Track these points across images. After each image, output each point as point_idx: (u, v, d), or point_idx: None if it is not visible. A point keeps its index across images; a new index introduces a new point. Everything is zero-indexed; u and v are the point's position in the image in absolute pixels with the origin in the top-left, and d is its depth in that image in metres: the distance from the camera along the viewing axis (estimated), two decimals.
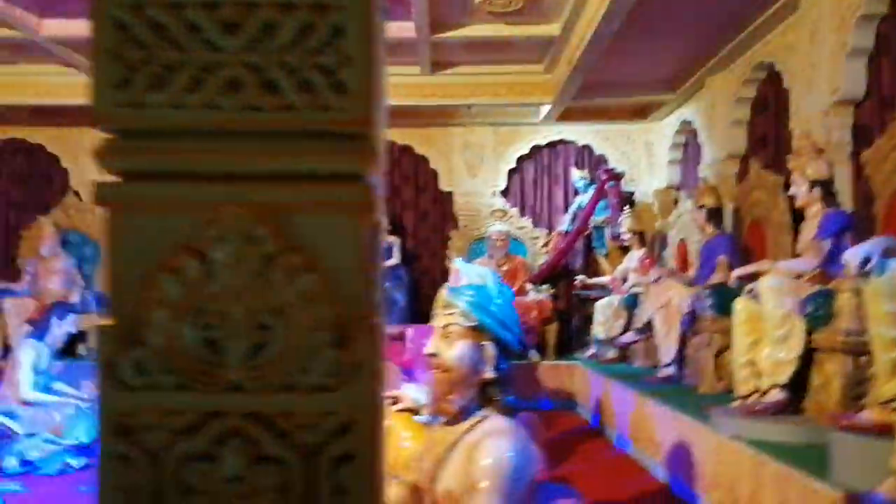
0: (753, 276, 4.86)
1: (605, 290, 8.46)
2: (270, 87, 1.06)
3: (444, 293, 2.61)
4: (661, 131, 9.20)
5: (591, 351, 8.19)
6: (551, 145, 9.61)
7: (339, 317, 1.05)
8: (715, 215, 6.46)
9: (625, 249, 8.73)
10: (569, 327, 8.97)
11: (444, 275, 9.46)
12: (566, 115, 9.02)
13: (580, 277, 8.72)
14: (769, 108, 6.71)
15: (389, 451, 3.99)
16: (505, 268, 8.68)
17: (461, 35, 7.25)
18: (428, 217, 9.67)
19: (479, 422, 2.45)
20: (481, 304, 2.48)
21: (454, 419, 2.52)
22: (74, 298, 8.51)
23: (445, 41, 7.40)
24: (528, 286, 8.64)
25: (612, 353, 7.87)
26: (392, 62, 8.07)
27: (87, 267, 9.21)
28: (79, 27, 7.03)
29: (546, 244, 9.41)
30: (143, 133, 1.05)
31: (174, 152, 1.06)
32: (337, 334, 1.05)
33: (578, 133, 9.51)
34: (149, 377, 1.03)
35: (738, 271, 5.39)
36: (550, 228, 9.52)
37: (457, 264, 3.48)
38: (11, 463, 5.57)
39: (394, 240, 9.08)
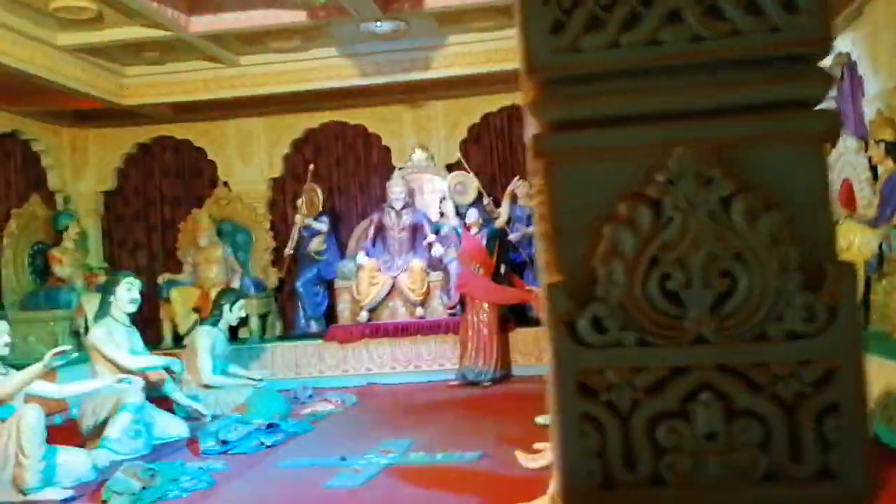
0: None
1: None
2: (714, 13, 0.98)
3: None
4: None
5: None
6: None
7: (806, 258, 0.97)
8: (894, 149, 6.05)
9: None
10: None
11: None
12: None
13: None
14: None
15: None
16: None
17: None
18: None
19: None
20: None
21: None
22: (235, 284, 8.81)
23: None
24: None
25: None
26: None
27: (241, 254, 9.51)
28: (227, 21, 7.20)
29: None
30: (580, 78, 0.99)
31: (613, 96, 0.99)
32: (806, 277, 0.97)
33: None
34: (608, 334, 0.98)
35: None
36: None
37: None
38: (210, 443, 5.80)
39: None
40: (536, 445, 3.04)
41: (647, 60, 0.99)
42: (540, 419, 5.88)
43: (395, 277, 8.67)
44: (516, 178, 8.62)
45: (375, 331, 8.52)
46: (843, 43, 7.84)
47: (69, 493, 4.74)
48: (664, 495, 0.97)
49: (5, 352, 5.02)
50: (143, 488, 4.62)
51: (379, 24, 7.44)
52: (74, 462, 5.09)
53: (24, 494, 4.62)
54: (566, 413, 1.00)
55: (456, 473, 4.93)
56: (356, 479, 4.87)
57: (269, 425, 6.19)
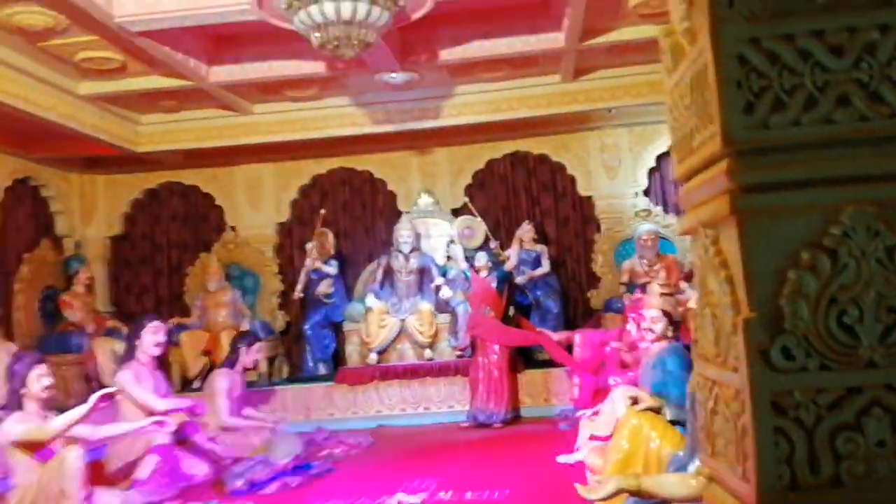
0: None
1: None
2: (877, 99, 1.22)
3: None
4: None
5: None
6: None
7: None
8: None
9: None
10: None
11: (590, 280, 9.56)
12: None
13: None
14: None
15: (639, 452, 4.11)
16: (657, 266, 8.70)
17: (608, 40, 7.37)
18: (569, 223, 9.80)
19: None
20: None
21: None
22: (244, 327, 8.92)
23: (590, 47, 7.53)
24: (683, 284, 8.63)
25: None
26: (531, 73, 8.28)
27: (249, 297, 9.64)
28: (246, 71, 7.44)
29: None
30: (767, 149, 1.21)
31: (796, 164, 1.21)
32: None
33: None
34: (796, 361, 1.18)
35: None
36: None
37: None
38: (238, 484, 5.88)
39: (542, 248, 9.22)
40: (596, 478, 3.21)
41: (823, 136, 1.21)
42: (562, 458, 6.05)
43: (403, 320, 8.84)
44: (525, 223, 8.87)
45: (385, 373, 8.65)
46: None
47: None
48: (843, 495, 1.17)
49: (45, 394, 5.11)
50: None
51: (394, 75, 7.72)
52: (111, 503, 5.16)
53: None
54: (761, 427, 1.20)
55: None
56: None
57: (295, 467, 6.29)
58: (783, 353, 1.19)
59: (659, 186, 9.72)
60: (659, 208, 9.58)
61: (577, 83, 8.45)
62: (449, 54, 7.44)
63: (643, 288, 7.45)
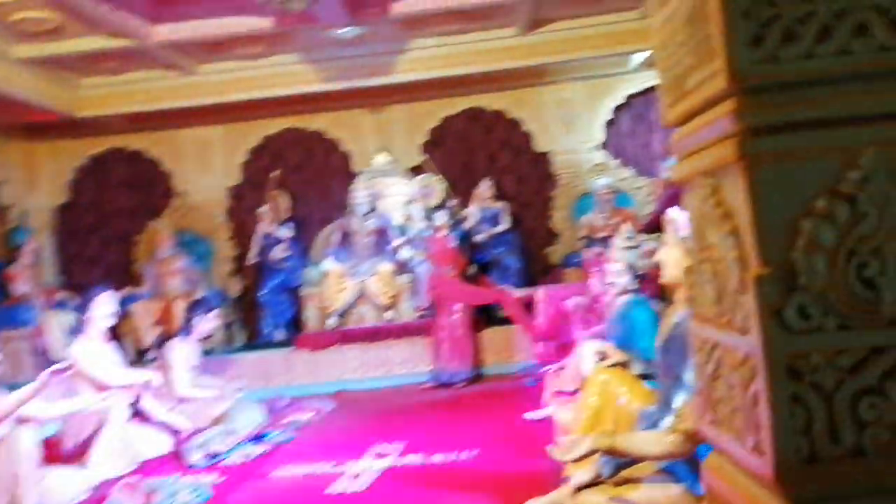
0: None
1: None
2: None
3: None
4: None
5: None
6: (644, 93, 9.51)
7: None
8: None
9: None
10: None
11: (549, 236, 9.49)
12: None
13: None
14: None
15: (608, 408, 4.04)
16: (614, 220, 8.65)
17: None
18: (527, 179, 9.67)
19: None
20: None
21: None
22: (197, 295, 8.68)
23: None
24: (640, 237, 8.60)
25: None
26: (487, 26, 8.07)
27: (202, 264, 9.39)
28: (190, 29, 7.12)
29: (651, 193, 9.35)
30: (777, 86, 1.08)
31: (810, 101, 1.09)
32: None
33: None
34: (812, 320, 1.07)
35: None
36: (652, 176, 9.46)
37: (672, 213, 3.49)
38: (198, 457, 5.73)
39: (501, 205, 9.09)
40: (568, 439, 3.13)
41: (839, 69, 1.09)
42: (529, 415, 6.00)
43: (362, 282, 8.68)
44: (484, 181, 8.74)
45: (346, 336, 8.52)
46: None
47: None
48: (865, 465, 1.07)
49: None
50: None
51: (345, 29, 7.46)
52: (67, 482, 4.98)
53: None
54: (776, 395, 1.09)
55: (456, 473, 5.00)
56: (357, 484, 4.90)
57: (256, 435, 6.16)
58: (799, 313, 1.08)
59: (615, 139, 9.63)
60: (616, 162, 9.51)
61: (533, 36, 8.26)
62: (401, 7, 7.20)
63: (603, 241, 7.39)
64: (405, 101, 9.44)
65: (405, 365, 8.42)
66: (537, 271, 9.39)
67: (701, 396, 1.41)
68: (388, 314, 8.65)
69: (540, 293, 7.66)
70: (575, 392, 5.82)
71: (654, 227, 8.98)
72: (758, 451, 1.14)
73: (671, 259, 3.34)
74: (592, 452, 3.01)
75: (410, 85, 8.74)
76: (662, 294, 5.27)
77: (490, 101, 9.50)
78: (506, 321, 8.42)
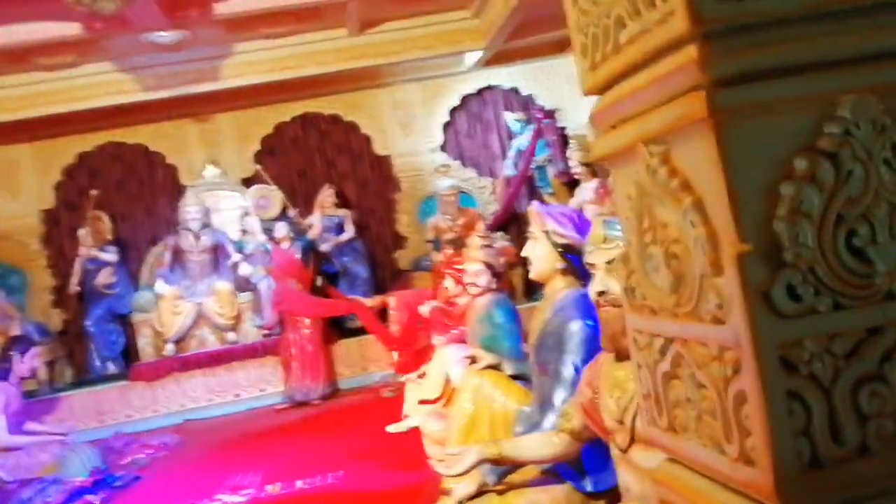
0: None
1: None
2: None
3: (599, 230, 2.43)
4: None
5: None
6: (480, 92, 9.53)
7: None
8: None
9: (569, 185, 8.81)
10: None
11: (396, 241, 9.30)
12: (490, 60, 8.94)
13: None
14: None
15: (484, 413, 3.87)
16: (460, 221, 8.60)
17: None
18: (369, 184, 9.44)
19: None
20: None
21: None
22: (14, 332, 7.85)
23: None
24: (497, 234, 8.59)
25: None
26: (316, 28, 7.78)
27: (16, 297, 8.50)
28: None
29: (493, 192, 9.38)
30: (744, 28, 0.91)
31: (781, 45, 0.92)
32: None
33: (503, 76, 9.47)
34: (803, 302, 0.90)
35: None
36: (493, 175, 9.50)
37: (536, 208, 3.37)
38: None
39: (344, 213, 8.80)
40: (448, 451, 2.92)
41: (812, 6, 0.93)
42: (392, 427, 5.75)
43: (199, 304, 8.14)
44: (325, 187, 8.43)
45: (186, 363, 7.95)
46: None
47: None
48: (872, 465, 0.92)
49: None
50: None
51: (163, 33, 6.92)
52: None
53: None
54: (771, 393, 0.91)
55: (323, 498, 4.69)
56: None
57: (93, 482, 5.56)
58: (788, 294, 0.91)
59: (454, 140, 9.58)
60: (457, 163, 9.45)
61: (365, 37, 8.03)
62: (224, 7, 6.77)
63: (454, 244, 7.28)
64: (234, 109, 8.95)
65: (255, 388, 7.98)
66: (386, 278, 9.18)
67: (647, 400, 1.23)
68: (231, 335, 8.16)
69: (392, 300, 7.45)
70: (438, 400, 5.66)
71: (501, 225, 9.03)
72: (745, 460, 0.96)
73: (538, 254, 3.20)
74: (480, 462, 2.81)
75: (239, 91, 8.27)
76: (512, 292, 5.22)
77: (324, 105, 9.19)
78: (358, 332, 8.16)
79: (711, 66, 0.92)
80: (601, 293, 2.33)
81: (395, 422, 5.84)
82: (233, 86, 8.07)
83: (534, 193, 9.29)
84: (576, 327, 2.99)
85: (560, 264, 3.14)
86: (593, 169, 8.30)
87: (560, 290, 3.15)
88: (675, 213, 1.02)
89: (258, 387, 7.98)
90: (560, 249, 3.12)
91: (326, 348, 7.83)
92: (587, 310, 3.02)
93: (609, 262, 2.33)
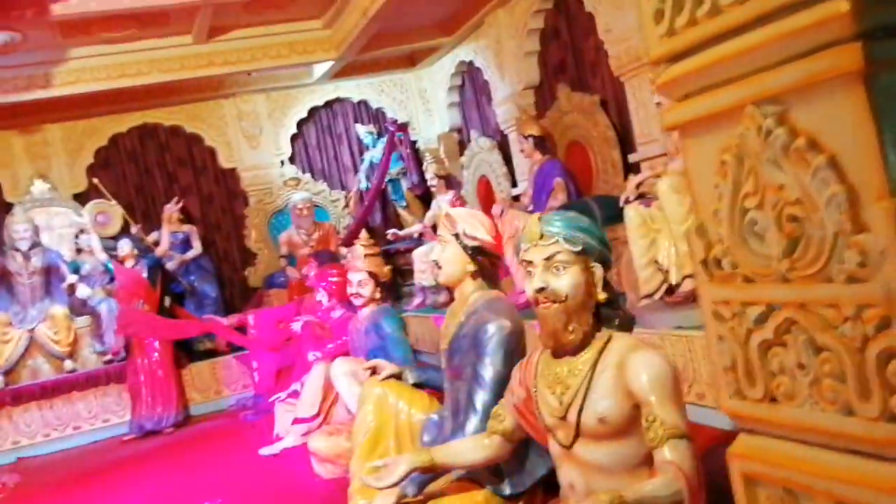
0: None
1: (415, 239, 8.48)
2: None
3: (535, 226, 2.41)
4: (434, 76, 9.36)
5: (418, 300, 8.14)
6: (328, 105, 9.39)
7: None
8: (541, 142, 6.73)
9: (423, 198, 8.84)
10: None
11: (244, 257, 8.96)
12: (339, 73, 8.84)
13: (391, 231, 8.65)
14: (562, 35, 7.10)
15: (388, 425, 3.77)
16: (315, 235, 8.42)
17: None
18: (214, 199, 9.04)
19: (607, 343, 2.35)
20: (581, 227, 2.35)
21: (578, 348, 2.39)
22: None
23: (226, 3, 6.87)
24: (343, 249, 8.44)
25: (443, 297, 7.96)
26: (160, 34, 7.38)
27: None
28: None
29: (346, 205, 9.25)
30: None
31: None
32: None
33: (353, 89, 9.38)
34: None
35: (637, 179, 5.41)
36: (345, 188, 9.38)
37: (448, 211, 3.34)
38: None
39: (190, 228, 8.36)
40: (376, 463, 2.79)
41: None
42: (266, 450, 5.49)
43: (31, 330, 7.45)
44: (173, 201, 7.97)
45: (18, 396, 7.24)
46: (466, 52, 8.56)
47: None
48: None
49: None
50: None
51: None
52: None
53: None
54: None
55: None
56: None
57: None
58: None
59: (304, 153, 9.37)
60: (307, 175, 9.25)
61: (212, 45, 7.69)
62: (62, 9, 6.26)
63: (316, 257, 7.08)
64: (65, 120, 8.31)
65: (97, 419, 7.39)
66: (235, 296, 8.81)
67: (733, 372, 1.22)
68: (69, 363, 7.52)
69: (251, 318, 7.13)
70: (315, 417, 5.46)
71: (355, 238, 8.88)
72: (888, 417, 0.96)
73: (448, 257, 3.16)
74: (410, 472, 2.72)
75: (71, 99, 7.68)
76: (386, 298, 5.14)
77: (164, 116, 8.73)
78: (210, 354, 7.77)
79: (865, 18, 0.91)
80: (540, 290, 2.31)
81: (267, 444, 5.58)
82: (66, 93, 7.48)
83: (387, 206, 9.25)
84: (493, 329, 2.96)
85: (471, 267, 3.10)
86: (447, 181, 8.36)
87: (471, 293, 3.12)
88: (796, 174, 1.02)
89: (102, 417, 7.40)
90: (471, 252, 3.09)
91: (177, 372, 7.39)
92: (503, 311, 3.01)
93: (548, 259, 2.31)
